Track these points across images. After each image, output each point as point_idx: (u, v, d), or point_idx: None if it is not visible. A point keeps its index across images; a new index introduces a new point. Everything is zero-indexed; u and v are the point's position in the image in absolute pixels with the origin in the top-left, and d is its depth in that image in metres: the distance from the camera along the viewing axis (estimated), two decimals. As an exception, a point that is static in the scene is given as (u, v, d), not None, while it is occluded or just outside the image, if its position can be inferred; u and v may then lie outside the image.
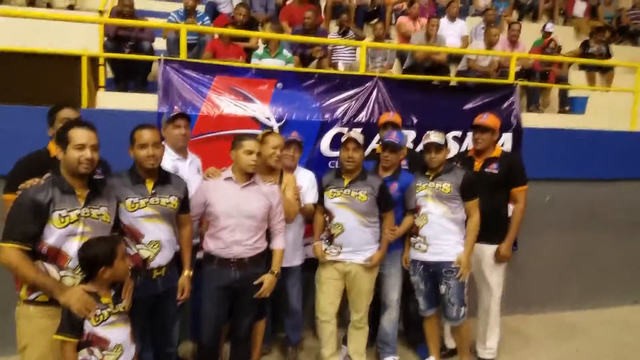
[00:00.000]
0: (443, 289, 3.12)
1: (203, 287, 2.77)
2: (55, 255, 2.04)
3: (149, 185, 2.49)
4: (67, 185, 2.09)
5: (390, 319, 3.39)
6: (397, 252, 3.31)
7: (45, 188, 2.04)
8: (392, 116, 3.52)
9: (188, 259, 2.72)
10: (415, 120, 4.00)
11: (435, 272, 3.15)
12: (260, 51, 4.86)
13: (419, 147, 3.71)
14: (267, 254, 2.87)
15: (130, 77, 4.61)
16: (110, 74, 4.64)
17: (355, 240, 3.07)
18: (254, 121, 3.70)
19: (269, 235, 2.89)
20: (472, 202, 3.12)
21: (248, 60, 4.90)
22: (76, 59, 3.81)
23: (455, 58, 6.19)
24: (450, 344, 3.61)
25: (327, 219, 3.15)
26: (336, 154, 3.74)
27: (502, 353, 3.65)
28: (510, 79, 4.52)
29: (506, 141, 4.18)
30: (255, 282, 2.76)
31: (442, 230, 3.11)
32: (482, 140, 3.34)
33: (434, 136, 3.12)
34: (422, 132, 3.72)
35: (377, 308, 3.43)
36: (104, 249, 2.07)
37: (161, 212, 2.49)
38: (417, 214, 3.20)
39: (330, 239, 3.12)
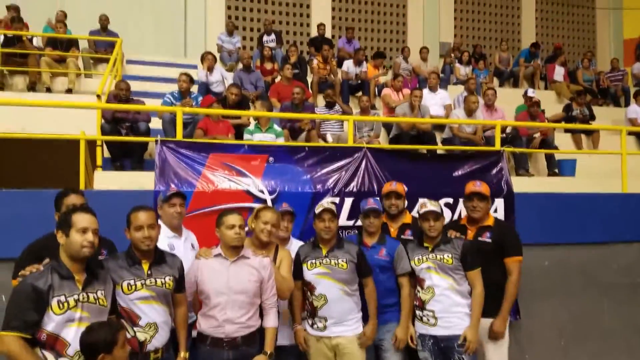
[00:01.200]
0: None
1: None
2: (54, 342, 2.11)
3: (145, 266, 2.60)
4: (66, 270, 2.20)
5: None
6: (394, 323, 3.34)
7: (44, 274, 2.15)
8: (395, 186, 3.64)
9: (184, 339, 2.77)
10: (406, 189, 4.20)
11: (446, 346, 3.16)
12: (251, 127, 5.17)
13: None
14: (261, 333, 2.90)
15: (127, 156, 4.85)
16: (107, 154, 4.87)
17: (339, 311, 3.11)
18: (248, 195, 3.87)
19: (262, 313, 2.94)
20: (474, 272, 3.17)
21: (239, 136, 5.19)
22: (74, 142, 4.05)
23: (439, 126, 6.56)
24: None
25: (307, 292, 3.20)
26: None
27: None
28: (497, 146, 4.78)
29: (498, 207, 4.31)
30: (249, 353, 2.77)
31: (451, 302, 3.15)
32: (480, 208, 3.39)
33: (430, 204, 3.25)
34: (412, 200, 3.94)
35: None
36: (104, 336, 2.13)
37: (157, 293, 2.58)
38: (420, 287, 3.27)
39: (313, 312, 3.16)
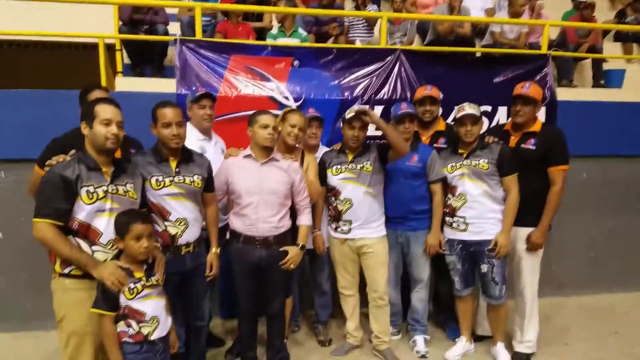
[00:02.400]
0: (485, 267, 3.16)
1: (232, 264, 2.92)
2: (86, 231, 2.19)
3: (173, 164, 2.62)
4: (92, 161, 2.22)
5: (420, 297, 3.50)
6: (424, 231, 3.38)
7: (71, 164, 2.18)
8: (430, 90, 3.51)
9: (215, 236, 2.86)
10: (441, 96, 4.04)
11: (475, 251, 3.20)
12: (274, 31, 4.96)
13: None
14: (293, 234, 2.99)
15: (147, 62, 4.77)
16: (126, 60, 4.80)
17: (364, 214, 3.19)
18: (272, 101, 3.82)
19: (293, 215, 3.01)
20: (510, 178, 3.12)
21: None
22: (93, 48, 3.98)
23: (479, 32, 6.17)
24: (480, 331, 3.65)
25: (331, 198, 3.26)
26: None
27: (538, 342, 3.45)
28: (543, 49, 4.50)
29: (540, 115, 4.14)
30: (281, 249, 2.89)
31: (483, 209, 3.14)
32: (524, 112, 3.20)
33: (469, 108, 3.14)
34: (449, 108, 3.82)
35: (406, 287, 3.57)
36: (120, 221, 2.21)
37: (186, 190, 2.63)
38: (452, 195, 3.26)
39: (337, 216, 3.23)
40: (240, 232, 2.88)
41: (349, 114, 3.15)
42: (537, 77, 4.28)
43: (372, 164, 3.17)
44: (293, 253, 2.91)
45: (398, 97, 3.99)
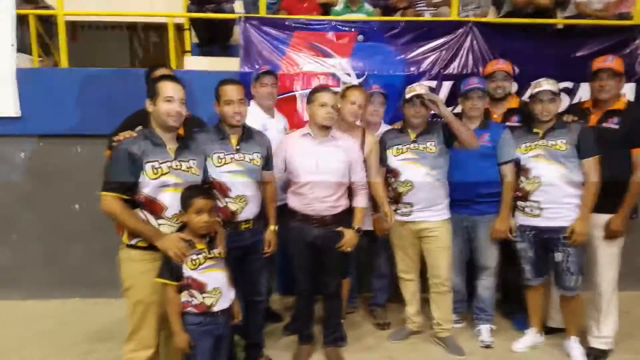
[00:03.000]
0: (559, 256, 2.97)
1: (289, 242, 2.96)
2: (152, 205, 2.28)
3: (234, 141, 2.67)
4: (157, 137, 2.31)
5: (486, 286, 3.36)
6: (492, 215, 3.21)
7: (137, 140, 2.28)
8: (502, 64, 3.33)
9: (273, 214, 2.90)
10: (517, 71, 3.77)
11: (549, 238, 3.00)
12: (339, 7, 4.85)
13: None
14: (349, 213, 2.96)
15: (214, 41, 4.87)
16: (194, 40, 4.94)
17: (426, 196, 3.06)
18: (334, 78, 3.78)
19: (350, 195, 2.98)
20: (589, 160, 2.90)
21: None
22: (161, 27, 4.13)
23: (561, 2, 5.69)
24: (551, 323, 3.44)
25: (391, 179, 3.15)
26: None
27: (616, 338, 3.23)
28: (636, 19, 4.07)
29: (628, 93, 3.81)
30: (337, 229, 2.88)
31: (560, 193, 2.94)
32: (609, 87, 2.95)
33: (546, 84, 2.93)
34: (525, 84, 3.59)
35: (471, 273, 3.44)
36: (183, 195, 2.28)
37: (246, 168, 2.67)
38: (525, 177, 3.07)
39: (397, 198, 3.13)
40: (298, 210, 2.90)
41: (409, 92, 3.03)
42: (627, 50, 3.93)
43: (437, 145, 3.04)
44: (348, 236, 2.88)
45: (469, 72, 3.82)
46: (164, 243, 2.23)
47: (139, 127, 2.39)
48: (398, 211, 3.17)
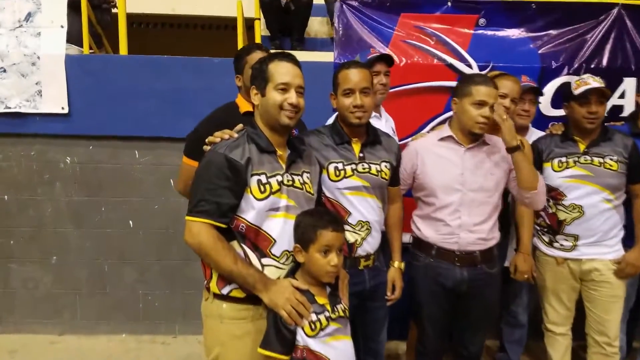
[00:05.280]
0: None
1: (417, 285, 2.18)
2: (255, 237, 1.56)
3: (356, 146, 1.94)
4: (265, 140, 1.59)
5: None
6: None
7: (240, 144, 1.57)
8: None
9: (399, 246, 2.14)
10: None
11: None
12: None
13: None
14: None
15: (286, 34, 4.19)
16: (264, 32, 4.27)
17: (600, 227, 2.30)
18: (450, 69, 3.01)
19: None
20: None
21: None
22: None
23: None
24: None
25: (548, 202, 2.36)
26: (561, 112, 2.96)
27: None
28: None
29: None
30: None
31: None
32: None
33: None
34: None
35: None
36: (303, 224, 1.56)
37: (371, 182, 1.93)
38: None
39: (556, 227, 2.36)
40: (432, 242, 2.12)
41: (580, 86, 2.23)
42: None
43: (619, 159, 2.25)
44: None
45: (618, 65, 2.97)
46: (275, 296, 1.50)
47: (240, 125, 1.66)
48: (555, 244, 2.39)
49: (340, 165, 1.88)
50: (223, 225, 1.52)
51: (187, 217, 1.53)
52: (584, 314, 2.45)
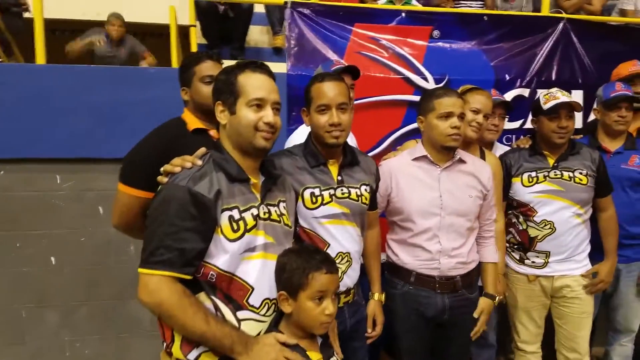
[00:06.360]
0: None
1: (395, 312, 1.99)
2: (229, 287, 1.27)
3: (333, 169, 1.71)
4: (236, 167, 1.32)
5: (626, 354, 2.60)
6: (640, 264, 2.43)
7: (207, 173, 1.28)
8: None
9: (378, 275, 1.96)
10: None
11: None
12: (381, 0, 3.96)
13: None
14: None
15: (225, 42, 3.89)
16: (200, 40, 3.94)
17: (571, 243, 2.26)
18: (407, 83, 2.89)
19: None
20: None
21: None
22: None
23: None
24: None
25: (518, 217, 2.29)
26: (515, 125, 2.95)
27: None
28: None
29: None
30: (475, 314, 1.98)
31: None
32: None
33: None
34: None
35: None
36: (289, 266, 1.31)
37: (352, 209, 1.71)
38: None
39: (527, 244, 2.30)
40: (411, 268, 1.95)
41: (550, 100, 2.18)
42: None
43: (588, 173, 2.21)
44: (487, 309, 2.04)
45: (567, 80, 3.01)
46: (258, 356, 1.24)
47: (203, 149, 1.37)
48: (526, 261, 2.32)
49: (316, 191, 1.65)
50: (188, 277, 1.22)
51: (142, 270, 1.22)
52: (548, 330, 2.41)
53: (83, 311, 2.83)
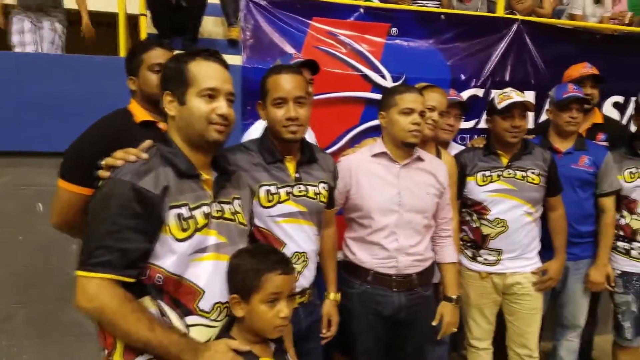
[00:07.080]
0: None
1: (350, 316, 1.95)
2: (176, 290, 1.19)
3: (290, 165, 1.65)
4: (186, 162, 1.24)
5: (573, 349, 2.67)
6: (586, 260, 2.52)
7: (153, 168, 1.19)
8: (590, 68, 2.68)
9: (334, 275, 1.91)
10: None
11: None
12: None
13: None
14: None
15: (177, 33, 3.72)
16: (151, 30, 3.75)
17: (522, 241, 2.30)
18: (365, 80, 2.88)
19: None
20: None
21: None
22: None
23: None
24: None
25: (472, 215, 2.33)
26: (469, 125, 3.01)
27: None
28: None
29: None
30: (434, 322, 2.00)
31: None
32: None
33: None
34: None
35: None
36: (242, 267, 1.24)
37: (309, 207, 1.66)
38: (629, 212, 2.47)
39: (480, 242, 2.34)
40: (368, 267, 1.92)
41: (504, 100, 2.20)
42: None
43: (540, 173, 2.26)
44: (450, 315, 2.03)
45: (520, 80, 3.09)
46: (207, 364, 1.14)
47: (149, 142, 1.27)
48: (479, 258, 2.36)
49: (273, 189, 1.59)
50: (130, 280, 1.13)
51: (79, 273, 1.11)
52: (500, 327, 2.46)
53: (21, 315, 2.65)
